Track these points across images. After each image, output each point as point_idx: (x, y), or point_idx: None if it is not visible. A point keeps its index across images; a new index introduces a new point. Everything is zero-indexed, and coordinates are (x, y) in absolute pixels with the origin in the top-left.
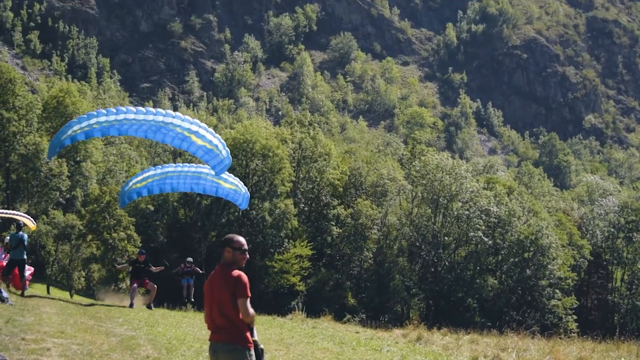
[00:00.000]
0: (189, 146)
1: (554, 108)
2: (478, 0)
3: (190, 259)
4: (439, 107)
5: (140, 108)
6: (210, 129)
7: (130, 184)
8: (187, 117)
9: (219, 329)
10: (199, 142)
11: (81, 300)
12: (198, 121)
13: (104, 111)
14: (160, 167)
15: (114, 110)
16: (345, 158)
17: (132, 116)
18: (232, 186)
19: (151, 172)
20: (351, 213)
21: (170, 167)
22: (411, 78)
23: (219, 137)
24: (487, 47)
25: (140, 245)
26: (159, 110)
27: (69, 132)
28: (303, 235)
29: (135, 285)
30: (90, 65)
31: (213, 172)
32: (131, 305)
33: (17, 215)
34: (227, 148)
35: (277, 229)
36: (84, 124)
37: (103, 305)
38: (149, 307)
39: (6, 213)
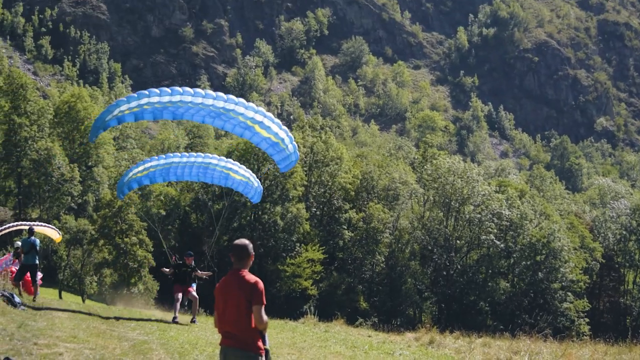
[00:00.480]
0: (252, 136)
1: (565, 111)
2: (489, 3)
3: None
4: (450, 111)
5: (198, 90)
6: (277, 120)
7: (130, 173)
8: (252, 104)
9: (232, 335)
10: (264, 133)
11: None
12: (263, 110)
13: (157, 90)
14: (164, 156)
15: (168, 91)
16: (356, 162)
17: (188, 98)
18: (243, 178)
19: (154, 162)
20: (363, 217)
21: (176, 157)
22: (422, 82)
23: (286, 129)
24: (498, 50)
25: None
26: (220, 94)
27: (116, 111)
28: (315, 239)
29: (179, 294)
30: (101, 70)
31: (223, 162)
32: (174, 320)
33: (42, 226)
34: (294, 142)
35: (289, 233)
36: (134, 103)
37: (140, 320)
38: (193, 321)
39: (27, 225)
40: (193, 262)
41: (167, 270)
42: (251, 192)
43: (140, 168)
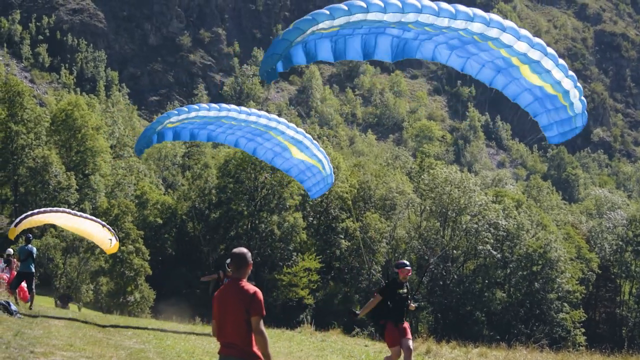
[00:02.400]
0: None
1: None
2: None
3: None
4: (447, 121)
5: (244, 108)
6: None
7: (167, 121)
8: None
9: (231, 344)
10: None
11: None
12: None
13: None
14: (217, 107)
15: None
16: (354, 171)
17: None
18: (309, 159)
19: (202, 112)
20: (360, 226)
21: (233, 112)
22: (420, 91)
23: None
24: None
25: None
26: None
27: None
28: (312, 248)
29: None
30: (98, 78)
31: (292, 132)
32: None
33: (93, 224)
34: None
35: (285, 242)
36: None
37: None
38: None
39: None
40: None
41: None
42: (312, 180)
43: (183, 116)
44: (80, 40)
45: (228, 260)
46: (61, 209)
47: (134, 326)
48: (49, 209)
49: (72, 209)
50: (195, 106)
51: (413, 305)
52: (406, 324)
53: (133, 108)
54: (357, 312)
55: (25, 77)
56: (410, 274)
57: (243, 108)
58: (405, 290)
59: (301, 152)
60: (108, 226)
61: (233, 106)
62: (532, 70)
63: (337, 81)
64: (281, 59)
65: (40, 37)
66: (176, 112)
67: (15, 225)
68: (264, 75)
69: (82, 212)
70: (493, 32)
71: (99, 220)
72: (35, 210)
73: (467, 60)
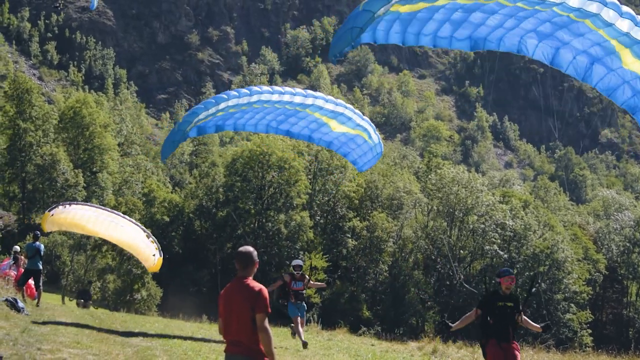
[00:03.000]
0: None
1: (570, 122)
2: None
3: (299, 262)
4: (455, 121)
5: (277, 87)
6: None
7: (195, 120)
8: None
9: (237, 342)
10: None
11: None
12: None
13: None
14: (247, 92)
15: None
16: None
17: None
18: (353, 130)
19: (232, 102)
20: (367, 226)
21: (265, 95)
22: (428, 91)
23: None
24: (503, 61)
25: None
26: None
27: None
28: (318, 247)
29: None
30: (107, 76)
31: (331, 105)
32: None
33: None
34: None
35: (292, 241)
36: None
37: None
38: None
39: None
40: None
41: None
42: (357, 152)
43: (212, 110)
44: (89, 38)
45: (294, 263)
46: (101, 209)
47: (140, 324)
48: (88, 205)
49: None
50: (223, 95)
51: (531, 323)
52: (514, 345)
53: (141, 106)
54: (450, 324)
55: (34, 75)
56: (514, 283)
57: (276, 87)
58: (510, 303)
59: (342, 125)
60: (152, 237)
61: (265, 87)
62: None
63: (345, 80)
64: (362, 33)
65: (49, 34)
66: (203, 106)
67: (50, 211)
68: (335, 54)
69: None
70: (593, 7)
71: (141, 227)
72: (73, 206)
73: (557, 51)
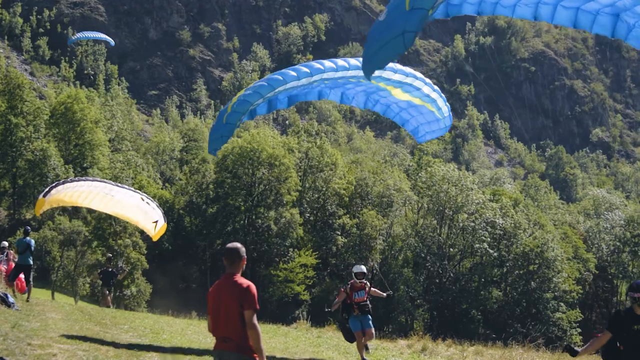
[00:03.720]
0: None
1: (561, 121)
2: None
3: (362, 269)
4: None
5: (341, 62)
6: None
7: (249, 109)
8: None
9: (226, 339)
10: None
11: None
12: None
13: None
14: (307, 71)
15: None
16: (351, 168)
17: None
18: (415, 99)
19: (291, 84)
20: (357, 223)
21: (329, 73)
22: None
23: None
24: (495, 59)
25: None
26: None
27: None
28: (308, 244)
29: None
30: (98, 72)
31: (395, 75)
32: None
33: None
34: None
35: (282, 238)
36: (265, 95)
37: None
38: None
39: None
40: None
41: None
42: (417, 121)
43: (269, 95)
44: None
45: (355, 270)
46: (96, 181)
47: (130, 320)
48: (82, 180)
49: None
50: (277, 77)
51: None
52: None
53: (132, 102)
54: (577, 349)
55: (26, 70)
56: None
57: (339, 62)
58: None
59: (406, 93)
60: (154, 202)
61: (328, 63)
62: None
63: None
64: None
65: (41, 30)
66: (252, 92)
67: (44, 196)
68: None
69: None
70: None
71: (140, 193)
72: (68, 181)
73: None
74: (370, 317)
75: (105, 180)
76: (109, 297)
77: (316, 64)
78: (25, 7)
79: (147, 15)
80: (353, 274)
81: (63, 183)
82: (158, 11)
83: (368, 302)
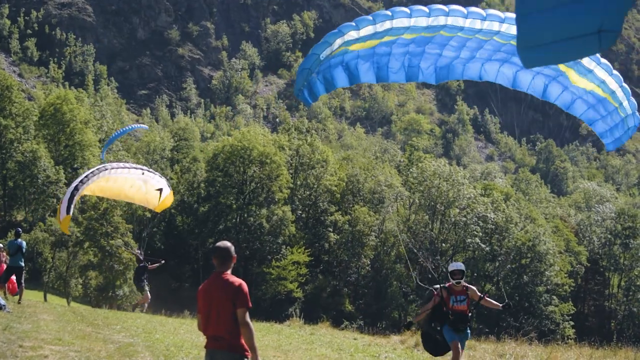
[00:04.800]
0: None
1: (551, 115)
2: (476, 6)
3: (460, 266)
4: (436, 114)
5: (477, 10)
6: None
7: (349, 57)
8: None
9: (218, 337)
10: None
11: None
12: None
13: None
14: (425, 10)
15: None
16: (342, 165)
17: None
18: (598, 89)
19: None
20: (349, 220)
21: (458, 17)
22: (408, 85)
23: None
24: None
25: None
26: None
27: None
28: (300, 241)
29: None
30: (87, 72)
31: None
32: None
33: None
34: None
35: (274, 235)
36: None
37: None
38: None
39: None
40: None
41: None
42: (607, 123)
43: (357, 47)
44: (69, 34)
45: (452, 267)
46: (102, 168)
47: (122, 320)
48: (91, 174)
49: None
50: (370, 21)
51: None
52: None
53: (122, 102)
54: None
55: (14, 72)
56: None
57: (474, 10)
58: None
59: (583, 78)
60: (156, 174)
61: (455, 7)
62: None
63: None
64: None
65: (29, 31)
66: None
67: (68, 212)
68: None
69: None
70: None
71: (141, 168)
72: (79, 185)
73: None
74: (469, 332)
75: (110, 164)
76: (143, 295)
77: (439, 6)
78: (13, 8)
79: (135, 14)
80: (448, 274)
81: (76, 189)
82: (146, 10)
83: (470, 314)
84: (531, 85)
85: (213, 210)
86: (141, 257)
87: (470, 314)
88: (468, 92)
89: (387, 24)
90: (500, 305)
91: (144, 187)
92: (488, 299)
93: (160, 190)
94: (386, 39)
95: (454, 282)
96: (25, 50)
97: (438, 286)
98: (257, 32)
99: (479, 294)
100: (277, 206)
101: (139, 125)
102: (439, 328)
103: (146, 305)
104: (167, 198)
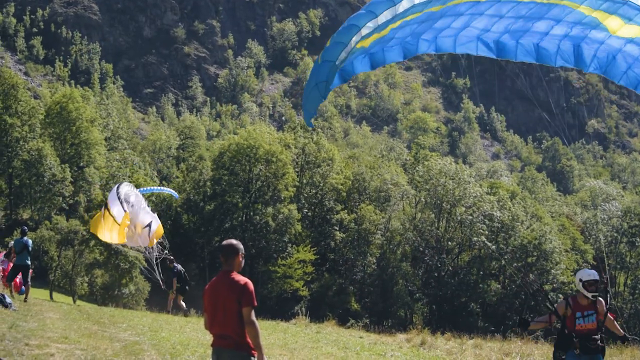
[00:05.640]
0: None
1: (557, 113)
2: None
3: (594, 275)
4: (442, 112)
5: None
6: None
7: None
8: None
9: (224, 336)
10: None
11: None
12: None
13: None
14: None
15: None
16: (348, 163)
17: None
18: None
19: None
20: (354, 218)
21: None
22: (414, 83)
23: None
24: None
25: None
26: None
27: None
28: (306, 240)
29: None
30: (93, 70)
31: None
32: None
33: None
34: None
35: (280, 234)
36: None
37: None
38: None
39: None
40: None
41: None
42: None
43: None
44: (75, 33)
45: (584, 276)
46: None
47: (128, 318)
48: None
49: (67, 202)
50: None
51: None
52: None
53: (127, 100)
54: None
55: (20, 70)
56: None
57: None
58: None
59: (631, 23)
60: (140, 201)
61: None
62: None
63: None
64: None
65: (35, 29)
66: (367, 27)
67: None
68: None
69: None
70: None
71: (124, 204)
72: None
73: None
74: (601, 357)
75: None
76: (174, 298)
77: None
78: (19, 6)
79: (141, 13)
80: (580, 284)
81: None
82: (152, 9)
83: (599, 334)
84: (559, 54)
85: (219, 208)
86: (177, 267)
87: (601, 334)
88: (474, 90)
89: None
90: (621, 334)
91: (133, 228)
92: (612, 317)
93: (149, 225)
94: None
95: (589, 294)
96: (31, 48)
97: (563, 301)
98: (263, 30)
99: (605, 308)
100: (283, 205)
101: (168, 190)
102: (563, 357)
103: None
104: (157, 232)
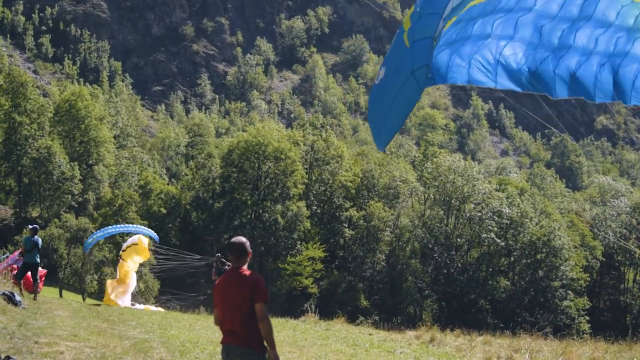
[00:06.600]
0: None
1: (565, 109)
2: None
3: None
4: (451, 109)
5: None
6: None
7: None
8: None
9: (234, 333)
10: None
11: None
12: None
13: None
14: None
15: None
16: (357, 160)
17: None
18: None
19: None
20: (364, 215)
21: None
22: None
23: None
24: None
25: None
26: None
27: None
28: (315, 237)
29: None
30: (102, 68)
31: None
32: None
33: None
34: None
35: (289, 231)
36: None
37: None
38: None
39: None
40: None
41: None
42: None
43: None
44: (84, 31)
45: None
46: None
47: (138, 316)
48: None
49: (76, 200)
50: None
51: None
52: None
53: (136, 98)
54: None
55: (29, 68)
56: None
57: None
58: None
59: None
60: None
61: None
62: None
63: (341, 70)
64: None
65: (44, 27)
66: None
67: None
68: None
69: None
70: None
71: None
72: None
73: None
74: None
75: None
76: None
77: None
78: (28, 5)
79: (150, 11)
80: None
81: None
82: (161, 7)
83: None
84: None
85: (228, 206)
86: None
87: None
88: (483, 87)
89: None
90: None
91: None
92: None
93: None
94: None
95: None
96: (40, 46)
97: None
98: (271, 27)
99: None
100: (292, 202)
101: (146, 231)
102: None
103: None
104: (145, 247)
